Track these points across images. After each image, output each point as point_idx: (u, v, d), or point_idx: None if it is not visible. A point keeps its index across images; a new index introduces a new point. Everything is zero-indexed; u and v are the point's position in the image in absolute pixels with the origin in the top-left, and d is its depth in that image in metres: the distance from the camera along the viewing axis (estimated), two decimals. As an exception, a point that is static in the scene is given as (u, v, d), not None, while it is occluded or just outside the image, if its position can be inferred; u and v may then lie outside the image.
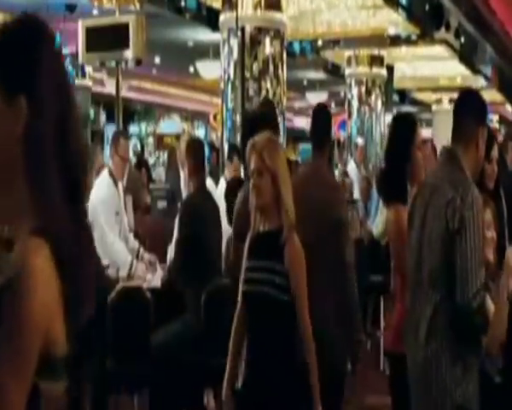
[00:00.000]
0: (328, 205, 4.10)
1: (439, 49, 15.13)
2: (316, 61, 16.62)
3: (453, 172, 3.20)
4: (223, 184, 7.57)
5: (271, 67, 9.13)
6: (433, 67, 18.06)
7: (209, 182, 6.79)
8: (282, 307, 3.32)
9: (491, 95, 21.66)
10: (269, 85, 9.18)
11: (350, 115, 14.36)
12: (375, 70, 14.17)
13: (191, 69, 17.94)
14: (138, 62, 6.45)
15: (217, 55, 15.25)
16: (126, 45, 6.28)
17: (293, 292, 3.30)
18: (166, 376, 4.92)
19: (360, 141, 11.85)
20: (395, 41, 13.62)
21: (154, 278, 5.66)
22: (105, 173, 5.99)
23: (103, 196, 5.78)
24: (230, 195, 5.37)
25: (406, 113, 4.18)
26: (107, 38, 6.33)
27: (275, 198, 3.34)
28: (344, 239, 4.08)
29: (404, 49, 15.26)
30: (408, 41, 13.78)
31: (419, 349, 3.22)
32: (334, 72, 16.96)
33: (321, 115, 4.45)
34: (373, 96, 14.10)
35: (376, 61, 14.20)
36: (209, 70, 15.50)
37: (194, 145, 5.57)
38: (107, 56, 6.59)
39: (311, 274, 3.37)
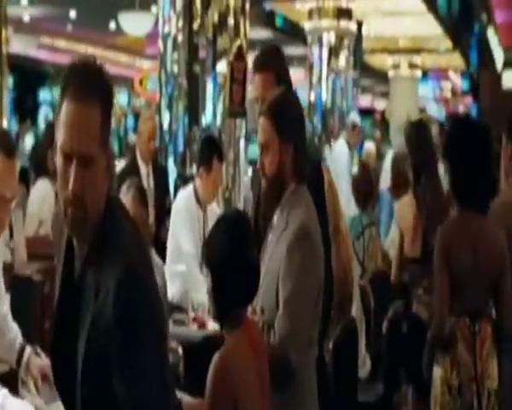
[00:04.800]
0: None
1: (409, 3, 13.07)
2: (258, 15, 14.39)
3: None
4: (183, 204, 5.02)
5: (231, 21, 6.86)
6: (393, 26, 15.77)
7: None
8: None
9: (452, 59, 19.73)
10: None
11: (311, 81, 11.86)
12: (343, 24, 11.63)
13: (112, 25, 16.33)
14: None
15: (145, 6, 12.87)
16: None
17: None
18: None
19: (356, 117, 9.27)
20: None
21: None
22: None
23: None
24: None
25: None
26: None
27: None
28: None
29: (367, 3, 13.04)
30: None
31: None
32: (284, 29, 14.74)
33: None
34: (338, 59, 11.62)
35: (344, 14, 11.71)
36: (135, 25, 13.37)
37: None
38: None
39: None
